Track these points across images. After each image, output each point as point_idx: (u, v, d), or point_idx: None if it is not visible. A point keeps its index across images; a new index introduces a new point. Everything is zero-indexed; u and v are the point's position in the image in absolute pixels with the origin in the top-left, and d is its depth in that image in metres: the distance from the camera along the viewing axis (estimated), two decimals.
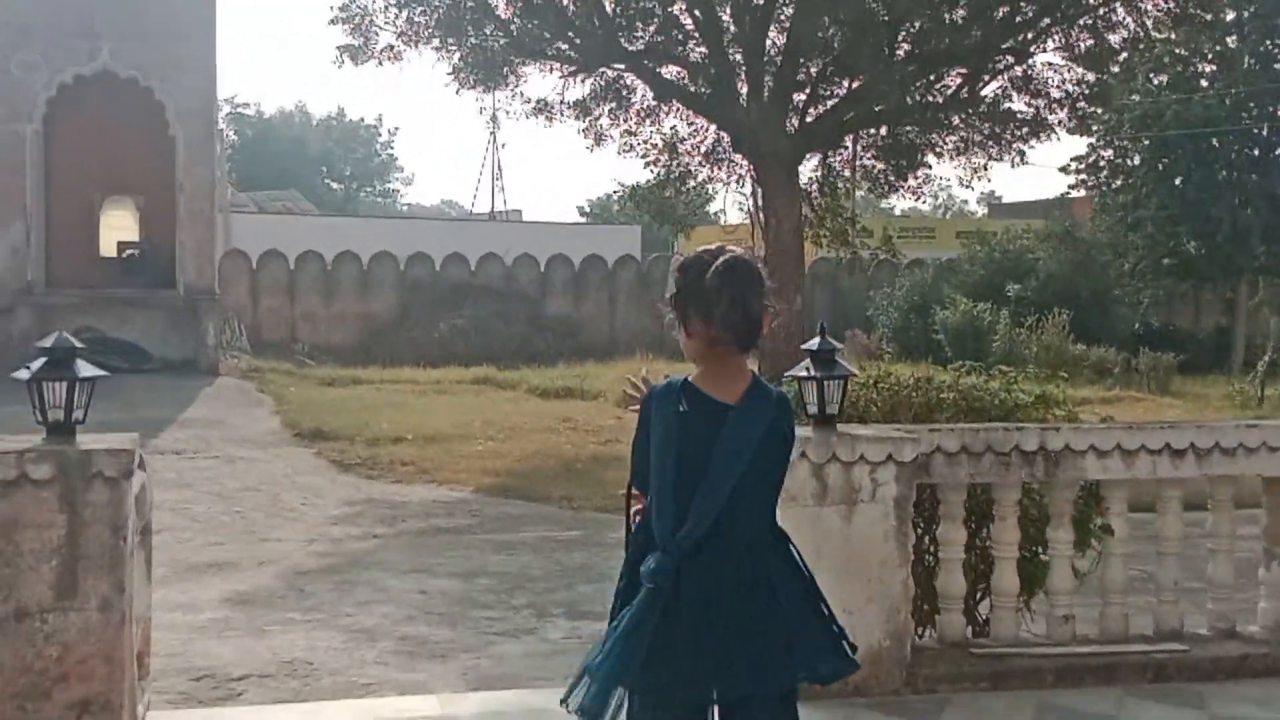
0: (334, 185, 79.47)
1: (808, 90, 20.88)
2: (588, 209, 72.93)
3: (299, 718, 5.15)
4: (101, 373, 4.70)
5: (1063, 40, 20.56)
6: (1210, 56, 33.26)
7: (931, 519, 5.65)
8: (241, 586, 9.34)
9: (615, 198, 55.78)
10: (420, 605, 8.88)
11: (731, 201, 32.90)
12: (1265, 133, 32.31)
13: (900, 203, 23.71)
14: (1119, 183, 34.59)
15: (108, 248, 30.42)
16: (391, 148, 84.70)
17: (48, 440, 4.46)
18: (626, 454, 11.62)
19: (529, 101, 22.40)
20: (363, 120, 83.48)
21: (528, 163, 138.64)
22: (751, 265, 3.23)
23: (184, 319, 27.73)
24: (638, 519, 3.35)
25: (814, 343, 5.14)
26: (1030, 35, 20.16)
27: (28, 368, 4.44)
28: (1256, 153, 32.67)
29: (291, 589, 9.32)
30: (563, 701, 3.19)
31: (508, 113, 34.12)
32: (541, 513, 13.13)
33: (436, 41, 20.43)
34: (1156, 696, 5.23)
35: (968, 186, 27.13)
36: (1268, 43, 32.56)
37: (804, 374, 5.13)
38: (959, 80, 20.96)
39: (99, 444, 4.50)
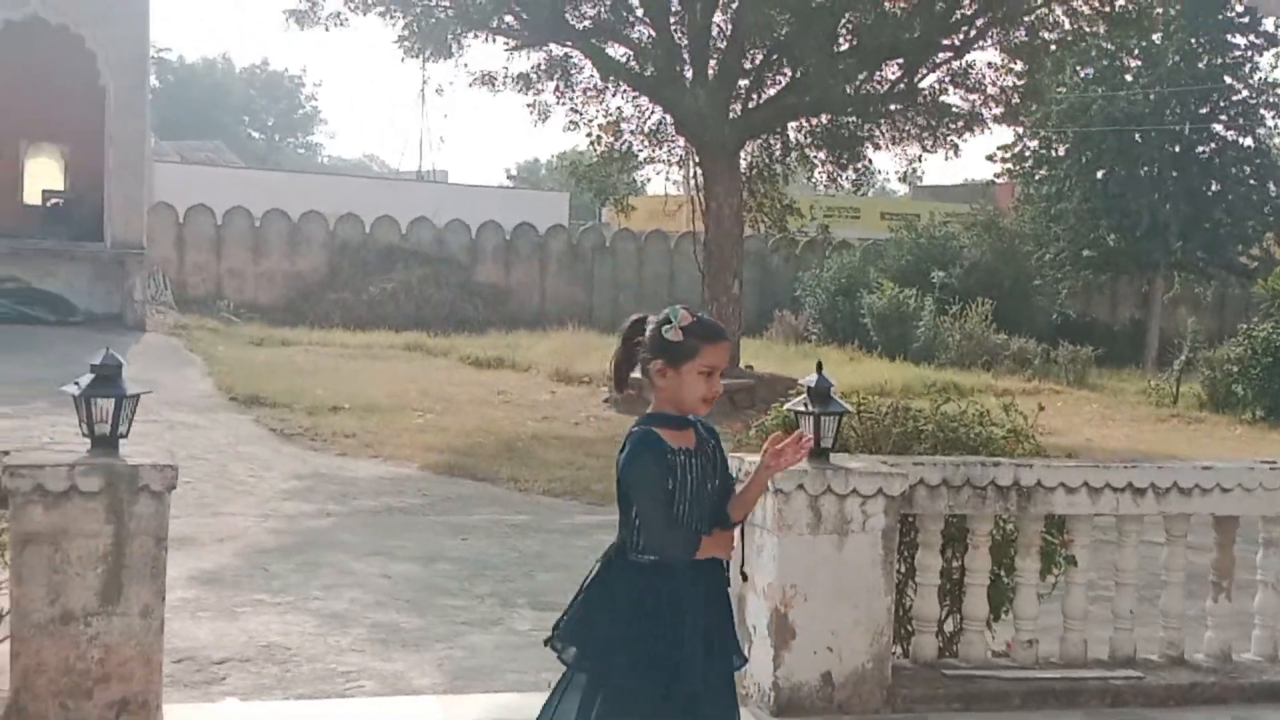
0: (256, 135, 78.40)
1: (751, 77, 21.13)
2: (515, 172, 72.82)
3: (300, 714, 5.34)
4: (146, 389, 4.86)
5: (1000, 37, 20.98)
6: (1136, 52, 33.99)
7: (906, 545, 5.96)
8: (205, 565, 9.46)
9: (545, 165, 56.06)
10: (386, 591, 9.08)
11: (669, 181, 33.31)
12: (1187, 130, 33.13)
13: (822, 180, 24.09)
14: (1043, 173, 35.28)
15: (32, 196, 29.94)
16: (315, 100, 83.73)
17: (93, 453, 4.64)
18: (565, 432, 12.07)
19: (472, 72, 22.28)
20: (286, 71, 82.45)
21: (455, 124, 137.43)
22: (627, 325, 3.89)
23: (110, 272, 27.40)
24: None
25: (811, 378, 5.41)
26: (970, 32, 20.56)
27: (77, 383, 4.63)
28: (1177, 149, 33.50)
29: (256, 569, 9.47)
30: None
31: (452, 83, 33.77)
32: (490, 493, 13.35)
33: (382, 8, 20.36)
34: None
35: (903, 179, 27.70)
36: (1192, 41, 33.35)
37: (801, 408, 5.41)
38: (898, 73, 21.32)
39: (144, 459, 4.68)
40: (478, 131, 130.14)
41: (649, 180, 27.40)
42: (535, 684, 7.21)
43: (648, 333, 3.76)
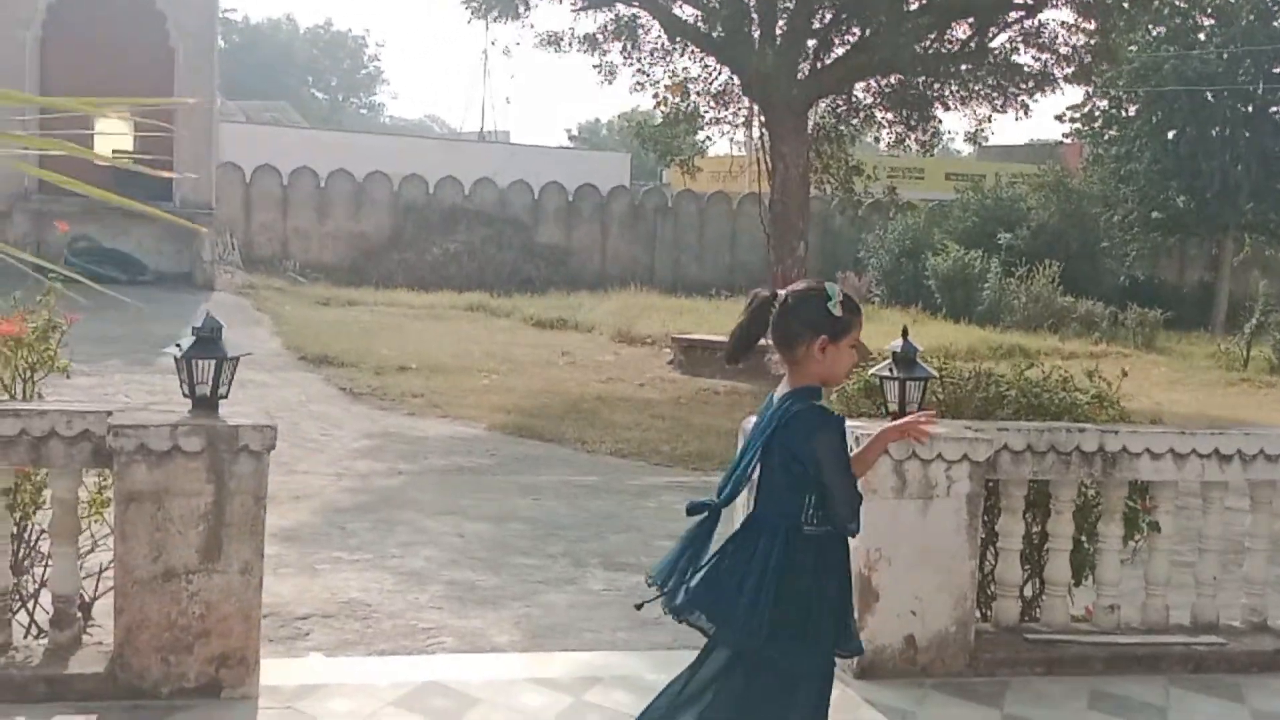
0: (319, 95, 78.84)
1: (819, 36, 20.93)
2: (576, 133, 72.75)
3: (393, 670, 5.43)
4: (246, 352, 4.96)
5: None
6: (1210, 10, 33.36)
7: (988, 509, 5.95)
8: (285, 522, 9.59)
9: (606, 125, 55.83)
10: (460, 549, 9.19)
11: (733, 142, 33.06)
12: (1260, 90, 32.50)
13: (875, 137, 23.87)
14: (1112, 134, 34.76)
15: (103, 157, 30.26)
16: (378, 60, 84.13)
17: (194, 413, 4.73)
18: (630, 394, 12.05)
19: (539, 32, 22.26)
20: (350, 31, 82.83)
21: (517, 84, 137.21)
22: (754, 297, 3.89)
23: (179, 232, 27.70)
24: None
25: (897, 343, 5.40)
26: None
27: (179, 345, 4.72)
28: (1250, 110, 32.87)
29: (333, 526, 9.60)
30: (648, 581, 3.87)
31: (518, 43, 33.83)
32: (558, 454, 13.43)
33: None
34: (1199, 688, 5.57)
35: (971, 140, 27.41)
36: (1267, 0, 32.70)
37: (886, 374, 5.40)
38: (968, 32, 21.04)
39: (244, 419, 4.77)
40: (539, 92, 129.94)
41: (713, 142, 27.29)
42: (611, 643, 7.32)
43: (806, 309, 3.77)
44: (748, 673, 3.72)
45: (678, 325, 23.81)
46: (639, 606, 3.97)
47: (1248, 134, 32.68)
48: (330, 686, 5.10)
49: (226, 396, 4.86)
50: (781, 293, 3.83)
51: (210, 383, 4.75)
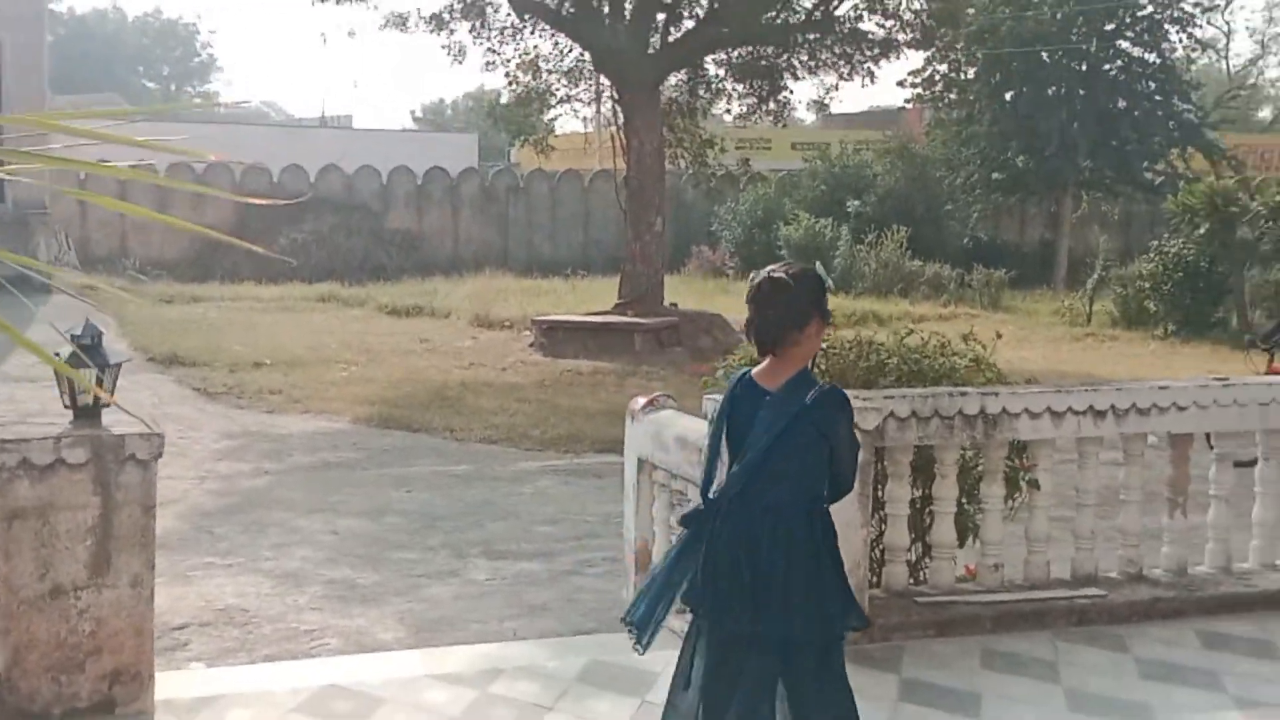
0: (151, 85, 76.54)
1: (669, 10, 20.94)
2: (420, 115, 71.86)
3: (289, 676, 5.28)
4: (127, 358, 4.76)
5: None
6: None
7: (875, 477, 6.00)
8: None
9: (451, 106, 55.20)
10: (336, 547, 9.00)
11: (582, 120, 32.90)
12: (1094, 49, 33.39)
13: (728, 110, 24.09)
14: (953, 97, 35.44)
15: None
16: (211, 48, 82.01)
17: (76, 424, 4.52)
18: (493, 379, 12.01)
19: (384, 14, 21.84)
20: (181, 19, 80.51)
21: (360, 66, 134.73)
22: (769, 282, 3.86)
23: (13, 233, 26.65)
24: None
25: None
26: None
27: (58, 354, 4.50)
28: (1085, 69, 33.74)
29: (201, 531, 9.33)
30: (623, 620, 3.90)
31: (363, 26, 33.32)
32: (426, 444, 13.24)
33: None
34: (1084, 640, 5.70)
35: (820, 107, 27.82)
36: None
37: None
38: (814, 1, 21.24)
39: (129, 427, 4.58)
40: (380, 75, 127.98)
41: (559, 119, 27.15)
42: (500, 633, 7.24)
43: (811, 289, 3.84)
44: (819, 660, 3.78)
45: (536, 307, 23.69)
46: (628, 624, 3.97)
47: (1083, 92, 33.59)
48: (227, 697, 4.95)
49: (109, 405, 4.65)
50: (778, 274, 3.85)
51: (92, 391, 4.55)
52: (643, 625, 3.80)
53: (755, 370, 3.91)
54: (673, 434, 6.14)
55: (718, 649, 3.76)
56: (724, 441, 3.86)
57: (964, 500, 6.23)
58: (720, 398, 4.07)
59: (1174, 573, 6.29)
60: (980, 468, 6.22)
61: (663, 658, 5.55)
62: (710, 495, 3.82)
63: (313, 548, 8.94)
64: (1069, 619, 5.90)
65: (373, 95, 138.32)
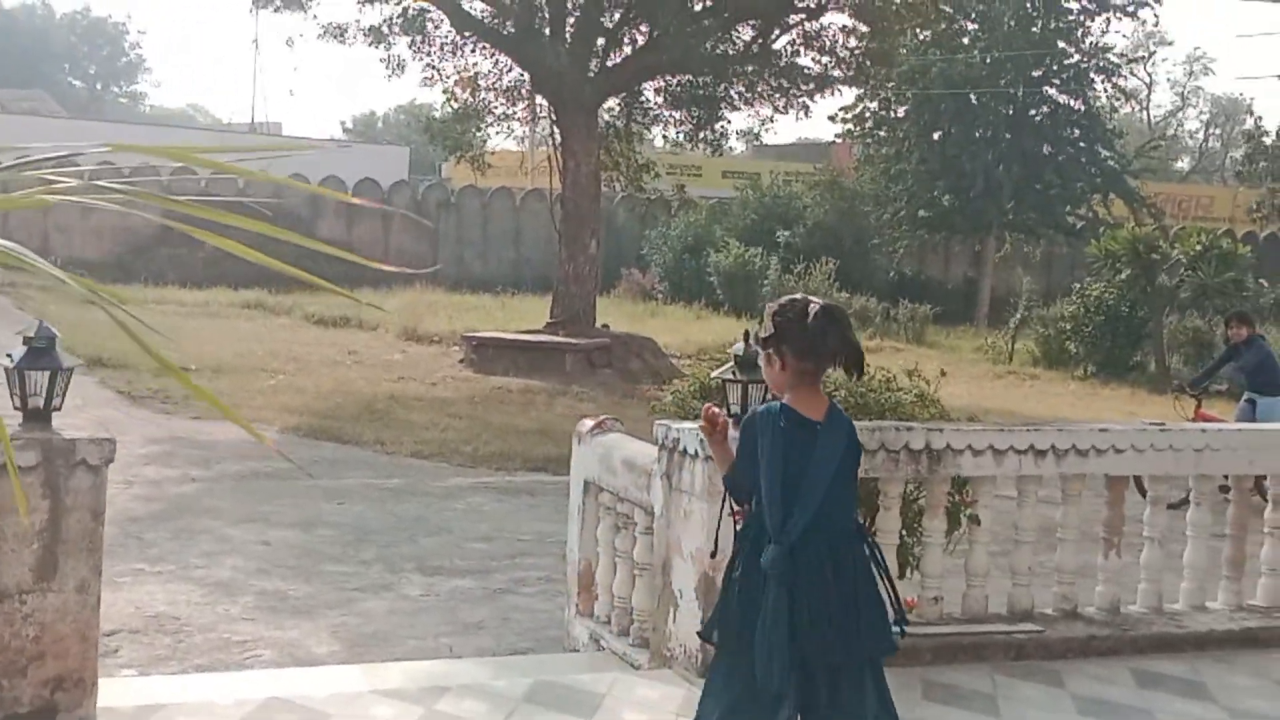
0: (77, 84, 75.30)
1: (610, 35, 21.05)
2: (350, 126, 71.37)
3: (232, 687, 5.21)
4: (78, 361, 4.71)
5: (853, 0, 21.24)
6: (974, 16, 34.82)
7: None
8: None
9: (383, 118, 54.93)
10: (268, 558, 8.91)
11: (512, 137, 32.79)
12: (1021, 94, 34.06)
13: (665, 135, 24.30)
14: (883, 134, 35.94)
15: None
16: (140, 48, 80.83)
17: (26, 426, 4.46)
18: (423, 393, 12.17)
19: (323, 24, 21.67)
20: (110, 17, 79.29)
21: (292, 74, 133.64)
22: (840, 309, 4.01)
23: None
24: (738, 520, 4.09)
25: (739, 347, 5.46)
26: None
27: (10, 355, 4.44)
28: (1011, 113, 34.44)
29: (130, 537, 9.19)
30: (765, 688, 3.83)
31: (301, 35, 33.08)
32: (357, 457, 13.16)
33: None
34: (1022, 674, 5.79)
35: (755, 137, 28.11)
36: (1027, 5, 34.30)
37: (729, 376, 5.45)
38: (753, 34, 21.46)
39: (80, 432, 4.53)
40: (312, 83, 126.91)
41: (504, 137, 27.03)
42: (436, 649, 7.21)
43: (790, 323, 3.91)
44: (875, 673, 4.01)
45: (465, 323, 23.65)
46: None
47: (1009, 136, 34.27)
48: (170, 707, 4.88)
49: (60, 409, 4.59)
50: (817, 304, 3.90)
51: (44, 395, 4.49)
52: (784, 685, 3.79)
53: (790, 400, 3.92)
54: (621, 457, 6.17)
55: (808, 682, 3.83)
56: (777, 474, 3.85)
57: (904, 533, 6.33)
58: (731, 431, 4.13)
59: (1108, 611, 6.42)
60: (922, 501, 6.32)
61: (606, 679, 5.59)
62: (785, 532, 3.81)
63: (244, 557, 8.85)
64: (1007, 653, 5.99)
65: (303, 103, 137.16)
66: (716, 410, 4.16)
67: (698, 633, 4.50)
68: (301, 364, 19.26)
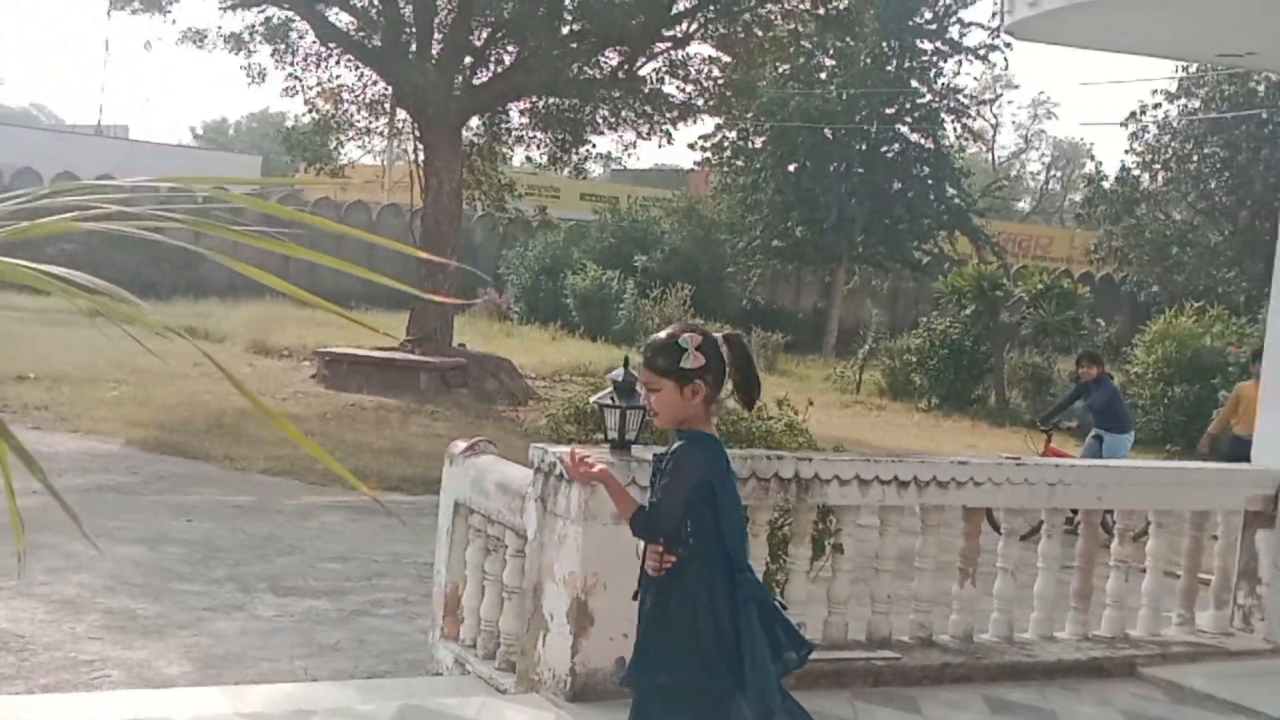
0: None
1: (477, 54, 20.99)
2: (201, 132, 69.79)
3: (86, 709, 5.05)
4: None
5: (718, 32, 21.54)
6: (832, 52, 35.55)
7: None
8: None
9: (234, 125, 53.82)
10: (114, 575, 8.65)
11: (368, 153, 32.43)
12: (875, 130, 34.88)
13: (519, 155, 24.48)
14: (740, 164, 36.46)
15: None
16: None
17: None
18: (273, 409, 12.03)
19: (182, 29, 21.19)
20: None
21: (144, 76, 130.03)
22: (741, 341, 4.12)
23: None
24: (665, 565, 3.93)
25: (618, 373, 5.47)
26: (690, 25, 21.06)
27: None
28: (864, 148, 35.25)
29: None
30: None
31: (160, 39, 32.18)
32: (205, 472, 12.85)
33: None
34: (880, 700, 5.91)
35: (617, 162, 28.30)
36: (883, 44, 35.16)
37: (608, 402, 5.46)
38: (619, 59, 21.62)
39: None
40: (161, 86, 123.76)
41: (349, 151, 26.72)
42: (292, 672, 7.07)
43: (715, 354, 3.92)
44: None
45: (317, 337, 23.23)
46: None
47: (862, 171, 35.07)
48: None
49: None
50: (735, 336, 4.04)
51: None
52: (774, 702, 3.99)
53: (705, 429, 3.98)
54: (494, 480, 6.15)
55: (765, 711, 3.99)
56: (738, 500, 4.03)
57: (769, 560, 6.41)
58: (701, 458, 3.96)
59: (962, 639, 6.59)
60: (787, 529, 6.42)
61: (475, 703, 5.55)
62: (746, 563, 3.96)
63: (90, 574, 8.58)
64: (866, 679, 6.11)
65: (152, 108, 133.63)
66: (587, 455, 4.20)
67: (620, 680, 4.36)
68: (145, 375, 18.69)
